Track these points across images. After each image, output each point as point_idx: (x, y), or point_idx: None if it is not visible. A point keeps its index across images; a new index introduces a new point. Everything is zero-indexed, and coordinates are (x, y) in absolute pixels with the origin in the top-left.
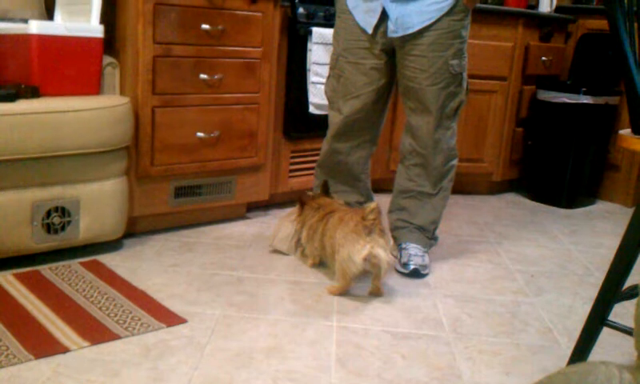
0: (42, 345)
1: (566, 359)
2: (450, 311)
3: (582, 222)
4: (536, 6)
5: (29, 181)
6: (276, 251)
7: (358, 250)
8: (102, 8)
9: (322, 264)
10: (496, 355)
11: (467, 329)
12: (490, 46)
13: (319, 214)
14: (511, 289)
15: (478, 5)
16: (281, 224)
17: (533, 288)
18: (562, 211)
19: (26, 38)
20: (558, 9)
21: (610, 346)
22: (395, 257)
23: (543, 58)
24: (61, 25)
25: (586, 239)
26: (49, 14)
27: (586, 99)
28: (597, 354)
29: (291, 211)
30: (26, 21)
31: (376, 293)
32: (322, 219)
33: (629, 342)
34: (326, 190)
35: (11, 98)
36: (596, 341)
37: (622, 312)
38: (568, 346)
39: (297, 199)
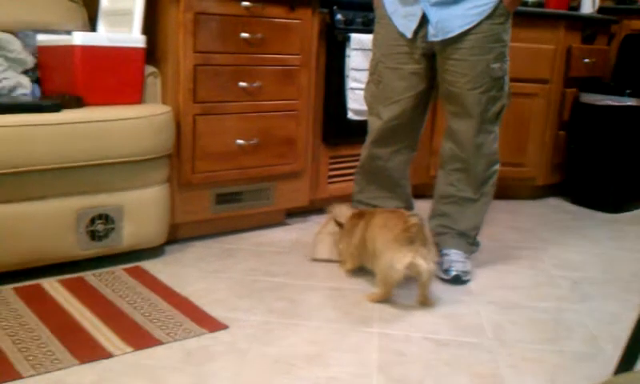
0: (87, 350)
1: (613, 367)
2: (493, 318)
3: (628, 226)
4: (578, 8)
5: (73, 189)
6: (317, 260)
7: (400, 258)
8: (144, 19)
9: (360, 270)
10: (540, 363)
11: (510, 336)
12: (532, 48)
13: (357, 219)
14: (555, 295)
15: (519, 7)
16: (319, 237)
17: (577, 294)
18: (607, 216)
19: (69, 49)
20: (601, 10)
21: None
22: (436, 263)
23: (586, 60)
24: (103, 36)
25: (632, 244)
26: (91, 25)
27: (630, 101)
28: None
29: (325, 222)
30: (69, 32)
31: (424, 302)
32: (363, 218)
33: None
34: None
35: (56, 107)
36: None
37: None
38: (614, 353)
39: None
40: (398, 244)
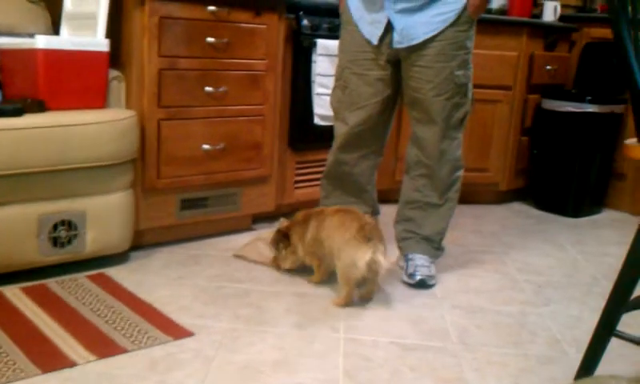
0: (50, 359)
1: (575, 370)
2: (458, 322)
3: (589, 230)
4: (540, 16)
5: (35, 194)
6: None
7: (360, 255)
8: (108, 22)
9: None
10: (504, 366)
11: (475, 340)
12: (495, 55)
13: (304, 220)
14: (518, 299)
15: (482, 15)
16: (255, 245)
17: (540, 298)
18: (569, 220)
19: (32, 53)
20: (562, 18)
21: (619, 357)
22: (401, 267)
23: (548, 67)
24: (67, 39)
25: (593, 248)
26: (55, 29)
27: (591, 108)
28: (605, 364)
29: (260, 236)
30: (32, 35)
31: (367, 297)
32: (314, 217)
33: (638, 352)
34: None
35: (17, 112)
36: (604, 352)
37: (631, 322)
38: (577, 356)
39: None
40: (357, 242)
